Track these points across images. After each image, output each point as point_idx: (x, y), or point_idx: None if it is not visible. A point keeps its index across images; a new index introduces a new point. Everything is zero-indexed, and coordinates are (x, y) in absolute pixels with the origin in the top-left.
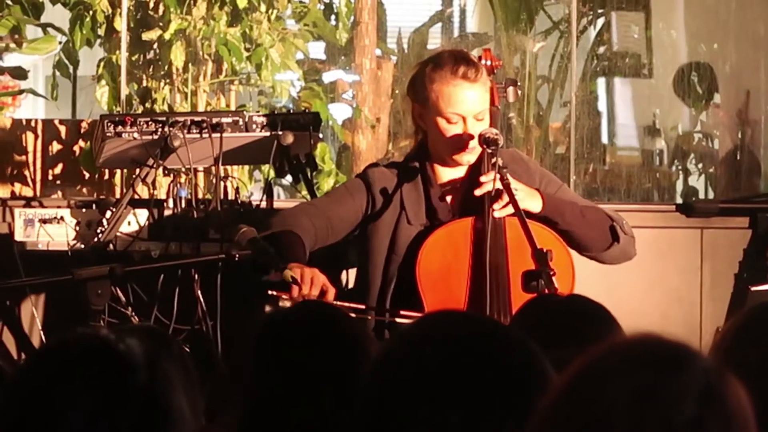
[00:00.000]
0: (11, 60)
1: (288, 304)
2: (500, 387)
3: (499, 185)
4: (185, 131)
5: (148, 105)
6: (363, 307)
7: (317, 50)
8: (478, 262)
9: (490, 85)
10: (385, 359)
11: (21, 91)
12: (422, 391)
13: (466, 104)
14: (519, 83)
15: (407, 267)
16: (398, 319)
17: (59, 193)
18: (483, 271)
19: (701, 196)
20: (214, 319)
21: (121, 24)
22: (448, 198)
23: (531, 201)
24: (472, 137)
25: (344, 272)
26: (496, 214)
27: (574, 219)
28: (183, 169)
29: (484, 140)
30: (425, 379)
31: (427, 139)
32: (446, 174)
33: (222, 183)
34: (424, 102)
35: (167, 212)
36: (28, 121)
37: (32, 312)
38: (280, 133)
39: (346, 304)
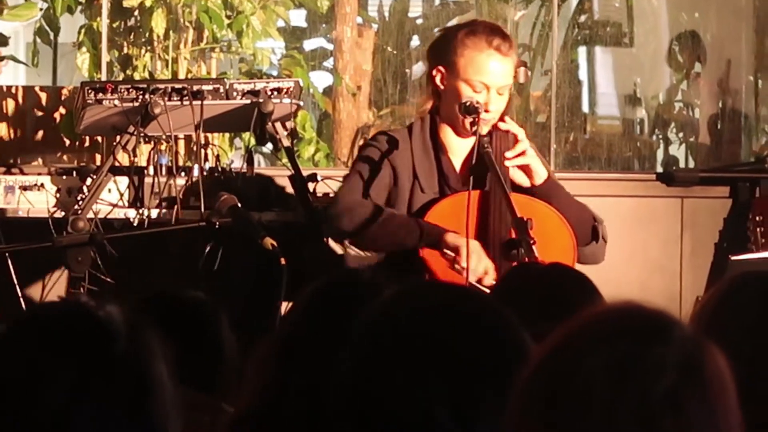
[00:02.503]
0: None
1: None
2: (478, 358)
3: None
4: (166, 98)
5: (128, 72)
6: None
7: (298, 18)
8: (482, 235)
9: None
10: (365, 328)
11: (1, 58)
12: (400, 360)
13: (494, 75)
14: (528, 64)
15: None
16: None
17: (39, 159)
18: (486, 244)
19: (682, 165)
20: (195, 287)
21: None
22: (458, 167)
23: (540, 167)
24: (489, 109)
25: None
26: (508, 163)
27: (566, 204)
28: (164, 137)
29: (465, 108)
30: (403, 349)
31: (440, 105)
32: (456, 143)
33: (203, 150)
34: (450, 65)
35: (148, 179)
36: (9, 87)
37: (12, 279)
38: (261, 100)
39: None
